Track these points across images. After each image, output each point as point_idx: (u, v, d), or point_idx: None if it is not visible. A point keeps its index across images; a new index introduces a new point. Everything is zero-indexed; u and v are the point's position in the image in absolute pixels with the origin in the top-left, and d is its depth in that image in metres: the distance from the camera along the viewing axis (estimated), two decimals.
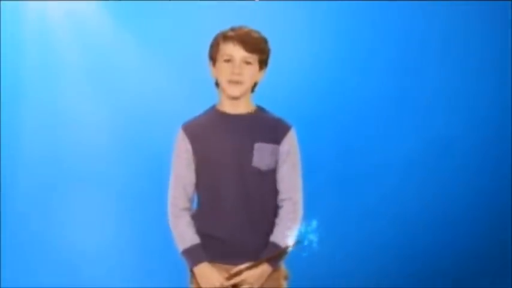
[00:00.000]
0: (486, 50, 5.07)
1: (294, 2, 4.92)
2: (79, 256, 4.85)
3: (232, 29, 2.87)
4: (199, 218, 2.91)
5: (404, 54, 5.05)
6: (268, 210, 2.90)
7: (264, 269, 2.86)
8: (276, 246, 2.85)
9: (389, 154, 5.06)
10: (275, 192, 2.92)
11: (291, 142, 2.91)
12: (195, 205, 2.98)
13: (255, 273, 2.85)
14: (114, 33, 4.85)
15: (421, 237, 5.08)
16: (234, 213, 2.86)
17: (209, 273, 2.86)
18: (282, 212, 2.89)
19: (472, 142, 5.10)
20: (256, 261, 2.84)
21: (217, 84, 2.93)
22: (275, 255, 2.84)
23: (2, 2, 4.64)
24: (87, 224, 4.87)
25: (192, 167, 2.90)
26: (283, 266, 2.93)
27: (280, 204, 2.91)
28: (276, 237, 2.86)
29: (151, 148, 4.81)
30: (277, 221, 2.89)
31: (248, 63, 2.85)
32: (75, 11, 4.80)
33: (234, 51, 2.83)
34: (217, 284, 2.85)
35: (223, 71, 2.85)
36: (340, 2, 4.90)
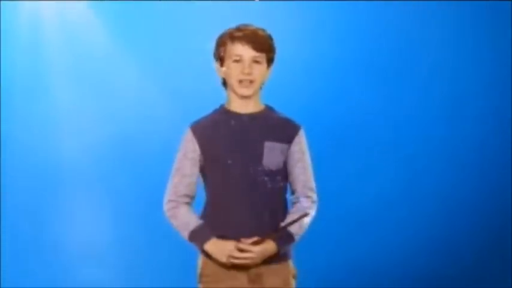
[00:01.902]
0: (486, 50, 5.07)
1: (294, 2, 4.92)
2: (79, 256, 4.85)
3: (239, 29, 2.86)
4: (208, 219, 2.89)
5: (404, 55, 5.05)
6: (276, 209, 2.90)
7: (269, 246, 2.83)
8: (287, 233, 2.84)
9: (390, 154, 5.06)
10: (284, 192, 2.92)
11: (302, 141, 2.92)
12: (197, 204, 2.97)
13: (259, 249, 2.81)
14: (106, 35, 4.83)
15: (420, 237, 5.08)
16: (243, 212, 2.84)
17: (221, 245, 2.82)
18: (300, 206, 2.89)
19: (472, 142, 5.10)
20: (263, 237, 2.81)
21: (224, 83, 2.94)
22: (282, 234, 2.82)
23: (2, 2, 4.64)
24: (86, 225, 4.87)
25: (197, 166, 2.88)
26: (291, 264, 2.93)
27: (296, 200, 2.91)
28: (290, 224, 2.83)
29: (145, 148, 4.81)
30: (293, 210, 2.89)
31: (257, 62, 2.85)
32: (67, 11, 4.80)
33: (243, 51, 2.83)
34: (232, 249, 2.79)
35: (233, 71, 2.85)
36: (341, 2, 4.90)
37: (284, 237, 2.84)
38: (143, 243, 4.85)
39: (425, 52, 5.04)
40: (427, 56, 5.05)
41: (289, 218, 2.87)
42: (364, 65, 5.02)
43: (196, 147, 2.87)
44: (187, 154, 2.88)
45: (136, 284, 4.79)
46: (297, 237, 2.86)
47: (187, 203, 2.90)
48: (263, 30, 2.89)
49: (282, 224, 2.84)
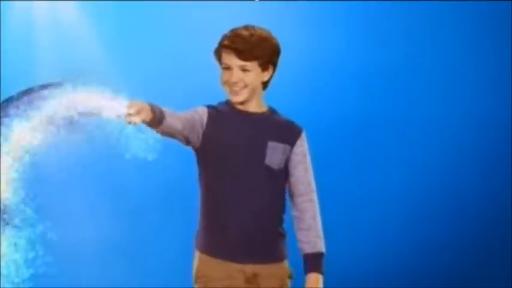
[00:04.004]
0: (486, 51, 5.08)
1: (294, 2, 4.92)
2: (78, 256, 4.85)
3: (229, 36, 2.84)
4: (209, 215, 2.89)
5: (404, 56, 5.06)
6: (275, 208, 2.91)
7: (319, 279, 2.89)
8: (319, 254, 2.90)
9: (391, 154, 5.07)
10: (283, 192, 2.93)
11: (304, 144, 2.94)
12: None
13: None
14: (97, 35, 4.83)
15: (420, 237, 5.09)
16: (242, 211, 2.85)
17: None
18: (308, 216, 2.91)
19: (472, 142, 5.11)
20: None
21: None
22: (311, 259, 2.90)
23: (2, 2, 4.65)
24: (84, 225, 4.87)
25: (196, 130, 2.78)
26: (287, 265, 2.94)
27: (300, 206, 2.92)
28: (315, 244, 2.90)
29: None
30: (306, 226, 2.91)
31: (245, 70, 2.84)
32: (59, 11, 4.80)
33: (230, 60, 2.83)
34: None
35: (224, 78, 2.86)
36: (341, 2, 4.90)
37: (316, 259, 2.90)
38: (139, 243, 4.86)
39: (426, 53, 5.05)
40: (428, 57, 5.06)
41: (301, 236, 2.91)
42: (365, 65, 5.03)
43: (204, 123, 2.81)
44: (194, 112, 2.79)
45: (133, 284, 4.80)
46: (323, 249, 2.91)
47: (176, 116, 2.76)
48: (256, 34, 2.84)
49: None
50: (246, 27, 2.87)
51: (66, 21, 4.79)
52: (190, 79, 4.76)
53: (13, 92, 4.76)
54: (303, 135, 2.96)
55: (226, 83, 2.86)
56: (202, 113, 2.83)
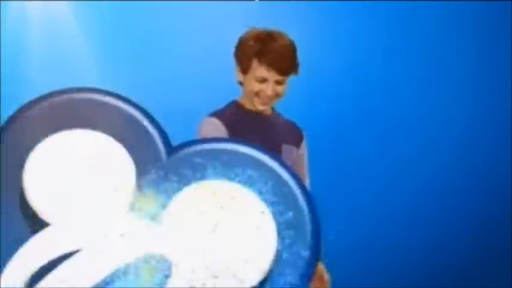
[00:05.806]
0: (486, 51, 5.08)
1: (293, 2, 4.92)
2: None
3: (265, 48, 2.83)
4: None
5: (402, 55, 5.06)
6: None
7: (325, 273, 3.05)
8: None
9: (388, 154, 5.07)
10: None
11: (304, 146, 2.98)
12: None
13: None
14: (92, 35, 4.83)
15: (419, 238, 5.09)
16: None
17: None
18: None
19: (472, 142, 5.11)
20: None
21: (241, 82, 2.93)
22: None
23: (2, 2, 4.65)
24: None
25: None
26: None
27: None
28: None
29: None
30: None
31: (280, 83, 2.85)
32: (53, 11, 4.80)
33: (268, 74, 2.84)
34: None
35: (254, 87, 2.86)
36: (340, 2, 4.91)
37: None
38: None
39: (424, 53, 5.06)
40: (426, 57, 5.06)
41: None
42: (365, 66, 5.03)
43: (225, 134, 2.79)
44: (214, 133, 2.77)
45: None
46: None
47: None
48: (288, 44, 2.87)
49: None
50: (273, 37, 2.87)
51: (60, 20, 4.79)
52: (187, 79, 4.75)
53: (10, 91, 4.77)
54: (304, 137, 2.99)
55: (257, 94, 2.85)
56: (219, 126, 2.83)
